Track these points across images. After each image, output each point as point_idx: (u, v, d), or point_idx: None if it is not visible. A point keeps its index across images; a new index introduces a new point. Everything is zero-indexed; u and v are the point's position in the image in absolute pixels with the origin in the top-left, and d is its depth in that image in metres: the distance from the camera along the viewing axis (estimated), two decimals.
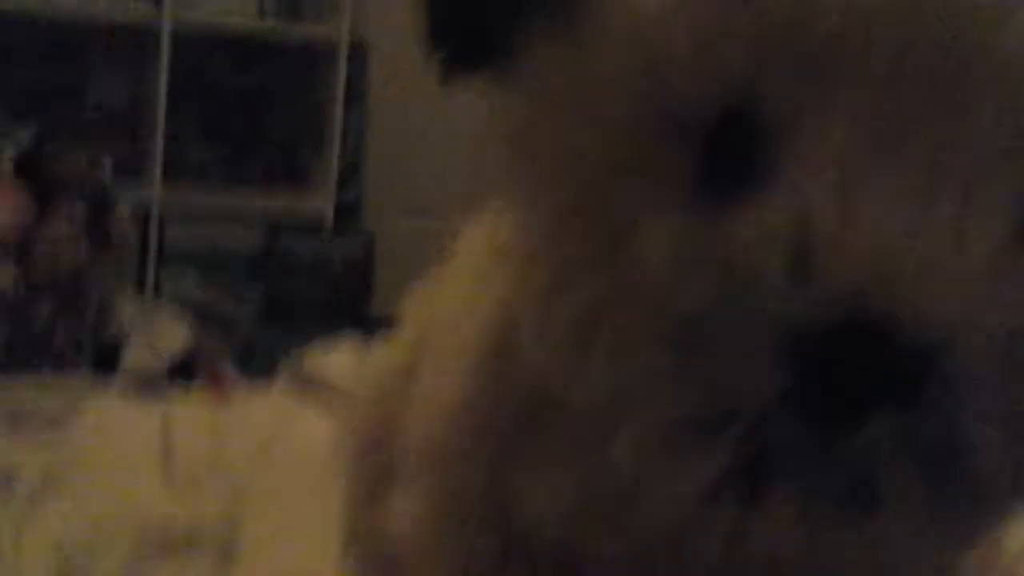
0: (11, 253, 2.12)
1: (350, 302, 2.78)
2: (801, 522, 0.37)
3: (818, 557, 0.38)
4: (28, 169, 2.19)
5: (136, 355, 2.38)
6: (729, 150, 0.39)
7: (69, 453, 1.00)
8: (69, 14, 2.68)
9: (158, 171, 2.73)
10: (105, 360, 2.33)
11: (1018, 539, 0.51)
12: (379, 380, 0.67)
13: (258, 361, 2.55)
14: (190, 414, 1.12)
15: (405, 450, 0.57)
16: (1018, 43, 0.38)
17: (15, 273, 2.11)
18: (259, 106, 3.06)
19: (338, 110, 2.85)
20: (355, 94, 2.89)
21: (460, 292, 0.57)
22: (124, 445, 1.04)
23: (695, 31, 0.39)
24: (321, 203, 2.90)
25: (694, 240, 0.38)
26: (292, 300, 2.80)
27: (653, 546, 0.44)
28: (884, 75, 0.37)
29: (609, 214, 0.41)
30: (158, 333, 2.44)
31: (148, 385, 1.71)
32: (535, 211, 0.44)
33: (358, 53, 2.82)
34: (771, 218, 0.36)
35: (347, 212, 3.01)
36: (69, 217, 2.21)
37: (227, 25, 2.81)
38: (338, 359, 1.22)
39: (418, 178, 2.76)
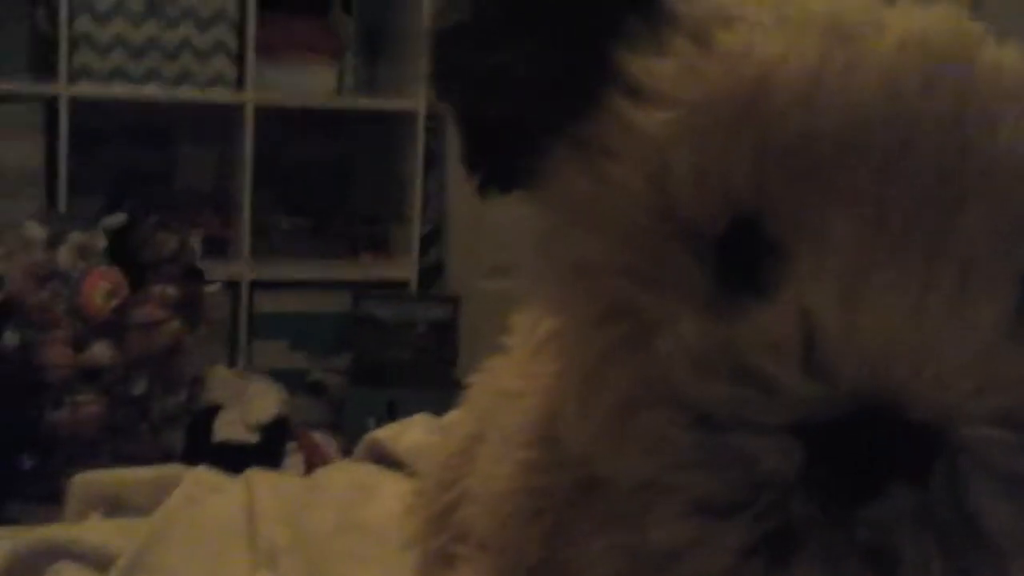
0: (107, 331, 2.19)
1: (437, 363, 2.81)
2: None
3: None
4: (121, 250, 2.27)
5: (229, 425, 2.43)
6: (738, 258, 0.42)
7: (160, 526, 1.02)
8: (154, 99, 2.76)
9: (246, 246, 2.80)
10: (199, 431, 2.39)
11: None
12: (443, 460, 0.71)
13: (350, 424, 2.59)
14: (273, 485, 1.12)
15: (465, 527, 0.61)
16: (1006, 140, 0.41)
17: (112, 351, 2.18)
18: (341, 178, 3.11)
19: (418, 178, 2.89)
20: (434, 162, 2.93)
21: (512, 377, 0.60)
22: (212, 518, 1.05)
23: (699, 149, 0.42)
24: (405, 269, 2.94)
25: (711, 341, 0.40)
26: (380, 364, 2.84)
27: None
28: (880, 181, 0.40)
29: (632, 317, 0.44)
30: (250, 403, 2.50)
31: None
32: (567, 312, 0.48)
33: (435, 122, 2.86)
34: (780, 322, 0.39)
35: (431, 276, 3.06)
36: (161, 295, 2.28)
37: (307, 102, 2.87)
38: (411, 434, 1.24)
39: (499, 240, 2.79)
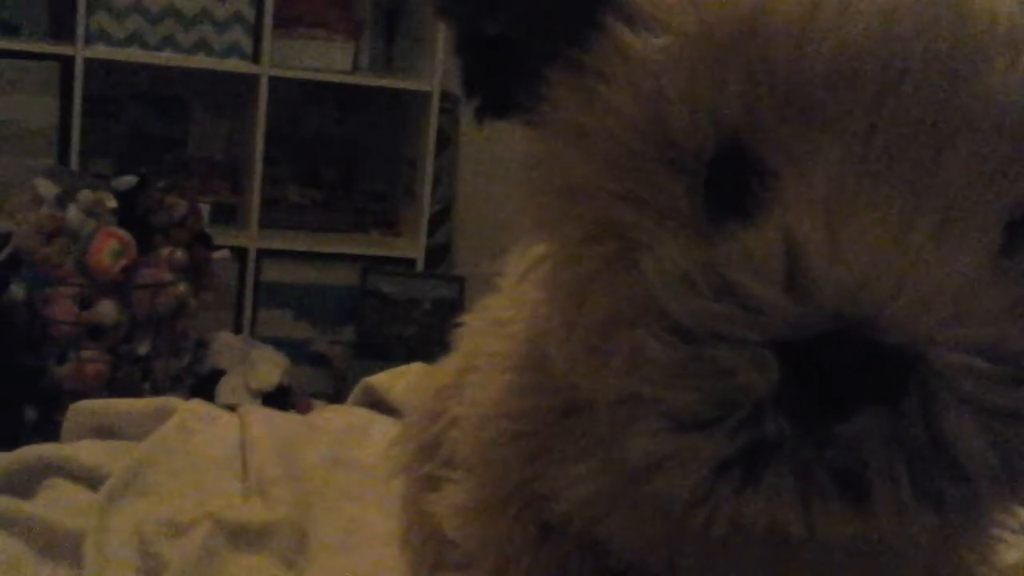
0: (114, 290, 2.20)
1: (440, 341, 2.82)
2: (797, 496, 0.40)
3: (815, 532, 0.41)
4: (131, 213, 2.28)
5: (231, 390, 2.45)
6: (726, 181, 0.43)
7: (152, 451, 1.03)
8: (172, 65, 2.77)
9: (255, 215, 2.80)
10: (201, 395, 2.40)
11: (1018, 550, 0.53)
12: (432, 392, 0.72)
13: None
14: (267, 419, 1.14)
15: (452, 453, 0.63)
16: (996, 83, 0.41)
17: (118, 310, 2.20)
18: (353, 154, 3.12)
19: (429, 158, 2.89)
20: (445, 142, 2.93)
21: (502, 308, 0.62)
22: (204, 446, 1.07)
23: (693, 75, 0.43)
24: (413, 247, 2.95)
25: (695, 260, 0.41)
26: (384, 338, 2.85)
27: (668, 522, 0.47)
28: (869, 113, 0.41)
29: (619, 237, 0.45)
30: (253, 369, 2.51)
31: None
32: (556, 235, 0.49)
33: (449, 103, 2.87)
34: (764, 243, 0.40)
35: (438, 255, 3.07)
36: (169, 258, 2.29)
37: (322, 77, 2.87)
38: (406, 380, 1.25)
39: (505, 223, 2.79)
